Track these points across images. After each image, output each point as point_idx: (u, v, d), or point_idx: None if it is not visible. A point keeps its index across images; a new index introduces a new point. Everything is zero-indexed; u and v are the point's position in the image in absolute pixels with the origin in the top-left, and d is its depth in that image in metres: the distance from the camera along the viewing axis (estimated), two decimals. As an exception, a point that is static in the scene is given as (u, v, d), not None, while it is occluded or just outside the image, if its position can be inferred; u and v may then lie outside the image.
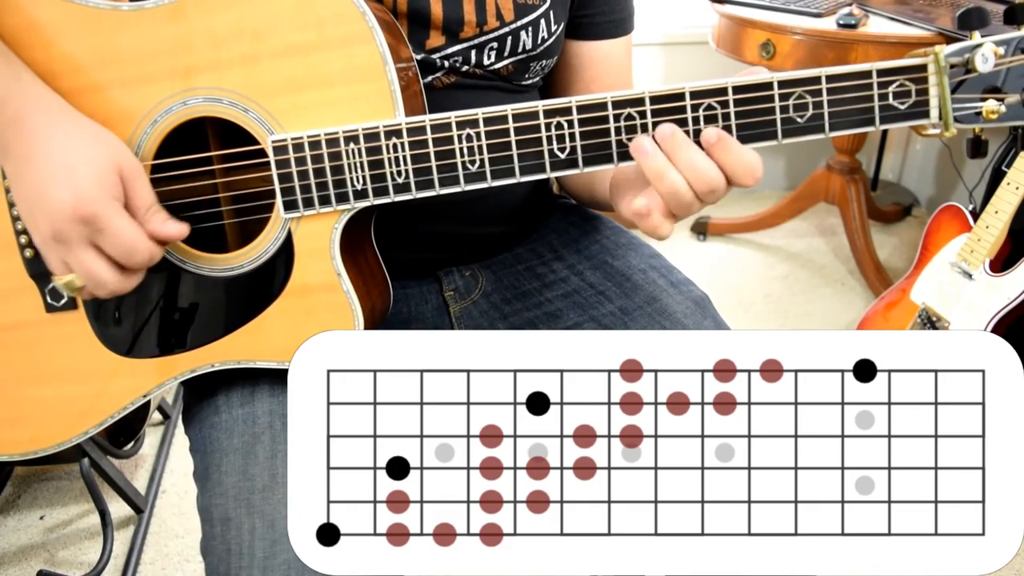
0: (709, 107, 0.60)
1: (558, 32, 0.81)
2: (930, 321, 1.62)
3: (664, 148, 0.60)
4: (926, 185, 2.62)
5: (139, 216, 0.64)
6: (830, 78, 0.59)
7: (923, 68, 0.58)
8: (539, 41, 0.79)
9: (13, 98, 0.64)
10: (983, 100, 0.60)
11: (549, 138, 0.62)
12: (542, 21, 0.78)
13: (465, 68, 0.76)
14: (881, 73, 0.58)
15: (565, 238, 0.91)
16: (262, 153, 0.66)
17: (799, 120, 0.60)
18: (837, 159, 2.26)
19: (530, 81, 0.83)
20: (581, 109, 0.61)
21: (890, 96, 0.59)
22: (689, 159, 0.59)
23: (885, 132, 2.63)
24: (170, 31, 0.66)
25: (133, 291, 0.70)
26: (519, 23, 0.76)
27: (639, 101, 0.61)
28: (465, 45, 0.75)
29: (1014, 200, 1.48)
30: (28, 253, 0.71)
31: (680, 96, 0.60)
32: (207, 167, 0.70)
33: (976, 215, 1.58)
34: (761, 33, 1.80)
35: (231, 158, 0.69)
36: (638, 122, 0.61)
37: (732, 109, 0.60)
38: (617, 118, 0.61)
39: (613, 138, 0.62)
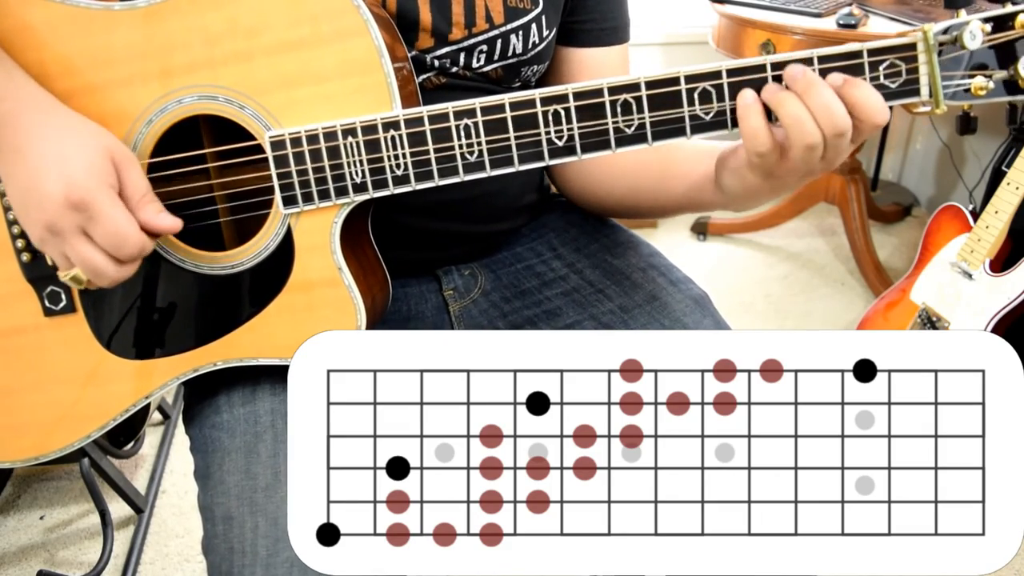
0: (704, 91, 0.60)
1: (550, 37, 0.80)
2: (930, 321, 1.62)
3: (796, 89, 0.58)
4: (926, 185, 2.62)
5: (132, 203, 0.63)
6: (822, 59, 0.59)
7: (912, 47, 0.59)
8: (530, 46, 0.78)
9: (7, 98, 0.64)
10: (972, 77, 0.60)
11: (547, 126, 0.62)
12: (533, 26, 0.78)
13: (455, 70, 0.76)
14: (872, 53, 0.59)
15: (564, 236, 0.91)
16: (259, 149, 0.66)
17: None
18: (837, 159, 2.26)
19: (518, 85, 0.82)
20: (578, 96, 0.62)
21: (881, 75, 0.59)
22: (820, 97, 0.58)
23: (885, 132, 2.62)
24: (163, 30, 0.65)
25: (133, 292, 0.70)
26: (509, 26, 0.76)
27: (635, 87, 0.61)
28: (454, 47, 0.75)
29: (1014, 200, 1.48)
30: (25, 257, 0.71)
31: (675, 80, 0.60)
32: (204, 165, 0.70)
33: (976, 215, 1.58)
34: (761, 33, 1.81)
35: (229, 155, 0.69)
36: (634, 107, 0.61)
37: (727, 92, 0.60)
38: (613, 104, 0.61)
39: (610, 124, 0.62)
